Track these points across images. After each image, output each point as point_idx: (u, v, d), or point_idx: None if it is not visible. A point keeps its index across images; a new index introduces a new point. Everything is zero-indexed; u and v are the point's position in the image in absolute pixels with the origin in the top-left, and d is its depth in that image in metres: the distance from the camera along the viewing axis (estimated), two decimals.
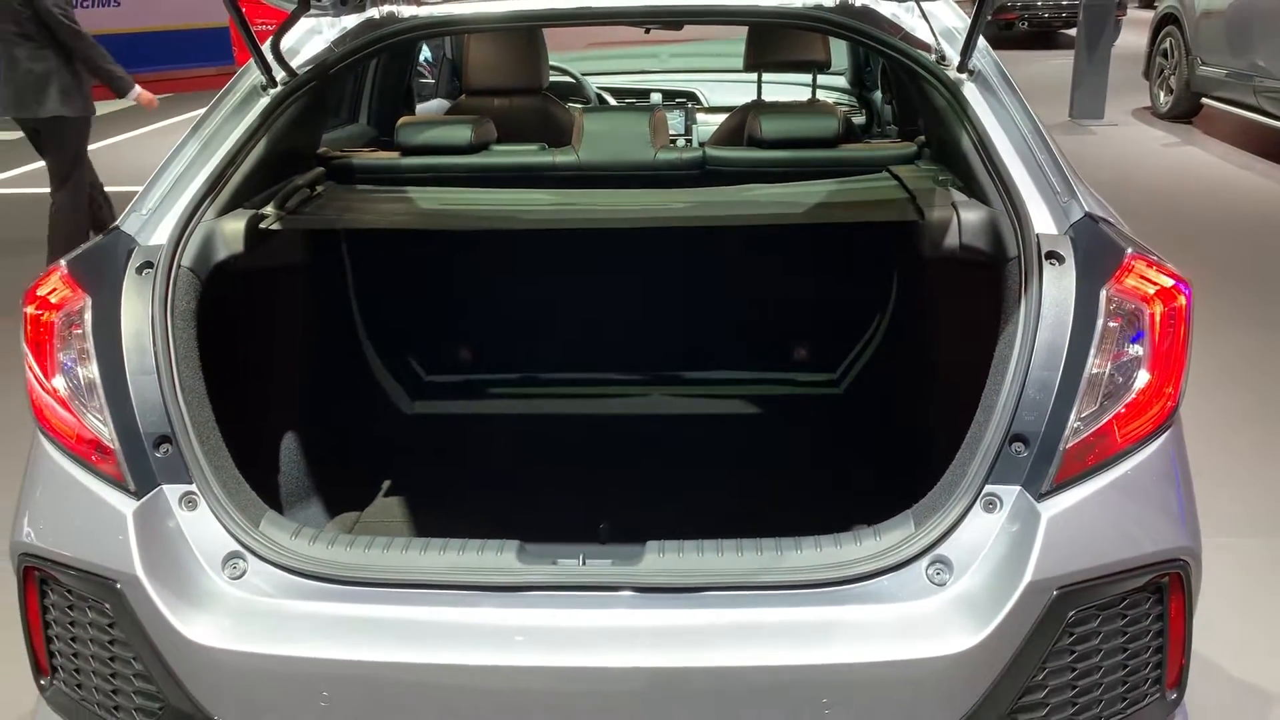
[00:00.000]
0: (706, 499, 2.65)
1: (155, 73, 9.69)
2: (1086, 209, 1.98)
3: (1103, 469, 1.76)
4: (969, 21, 2.18)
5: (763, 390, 3.21)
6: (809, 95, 4.14)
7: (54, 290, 1.98)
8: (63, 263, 2.05)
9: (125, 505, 1.81)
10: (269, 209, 2.28)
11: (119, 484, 1.83)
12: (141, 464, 1.83)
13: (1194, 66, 9.61)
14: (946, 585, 1.72)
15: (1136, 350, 1.80)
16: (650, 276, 3.11)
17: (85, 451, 1.86)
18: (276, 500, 2.49)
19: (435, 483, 2.90)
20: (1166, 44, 10.28)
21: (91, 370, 1.89)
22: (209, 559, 1.80)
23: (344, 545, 1.85)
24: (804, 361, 3.22)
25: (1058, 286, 1.84)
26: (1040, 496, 1.74)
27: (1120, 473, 1.76)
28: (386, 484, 2.86)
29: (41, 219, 6.14)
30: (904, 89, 3.31)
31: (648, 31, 4.34)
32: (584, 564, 1.84)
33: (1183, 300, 1.84)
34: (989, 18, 2.19)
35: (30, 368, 1.94)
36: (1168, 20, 10.21)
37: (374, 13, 2.52)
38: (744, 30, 3.85)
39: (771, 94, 4.14)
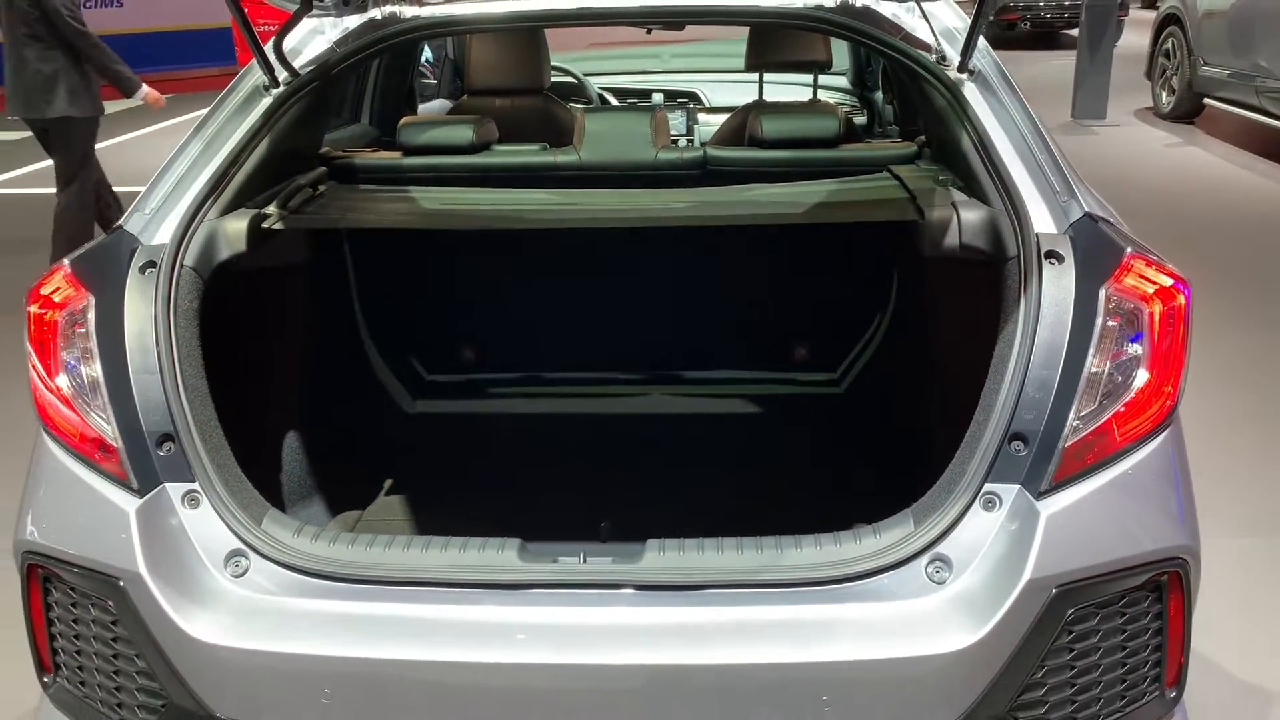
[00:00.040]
0: (707, 498, 2.65)
1: (158, 73, 9.68)
2: (1086, 208, 1.98)
3: (1102, 468, 1.76)
4: (969, 22, 2.19)
5: (763, 390, 3.21)
6: (810, 95, 4.14)
7: (57, 289, 1.99)
8: (66, 262, 2.05)
9: (128, 503, 1.82)
10: (271, 209, 2.28)
11: (122, 482, 1.84)
12: (144, 462, 1.84)
13: (1196, 67, 9.61)
14: (946, 583, 1.73)
15: (1136, 349, 1.81)
16: (651, 276, 3.12)
17: (88, 450, 1.87)
18: (279, 499, 2.50)
19: (437, 481, 2.91)
20: (1169, 44, 10.27)
21: (95, 369, 1.90)
22: (211, 557, 1.81)
23: (346, 543, 1.86)
24: (804, 361, 3.22)
25: (1057, 286, 1.84)
26: (1039, 495, 1.74)
27: (1119, 471, 1.76)
28: (388, 483, 2.87)
29: (45, 218, 6.15)
30: (905, 89, 3.31)
31: (649, 32, 4.35)
32: (585, 562, 1.85)
33: (1182, 299, 1.84)
34: (991, 18, 2.20)
35: (34, 366, 1.95)
36: (1170, 20, 10.20)
37: (376, 13, 2.53)
38: (745, 30, 3.86)
39: (773, 94, 4.14)
